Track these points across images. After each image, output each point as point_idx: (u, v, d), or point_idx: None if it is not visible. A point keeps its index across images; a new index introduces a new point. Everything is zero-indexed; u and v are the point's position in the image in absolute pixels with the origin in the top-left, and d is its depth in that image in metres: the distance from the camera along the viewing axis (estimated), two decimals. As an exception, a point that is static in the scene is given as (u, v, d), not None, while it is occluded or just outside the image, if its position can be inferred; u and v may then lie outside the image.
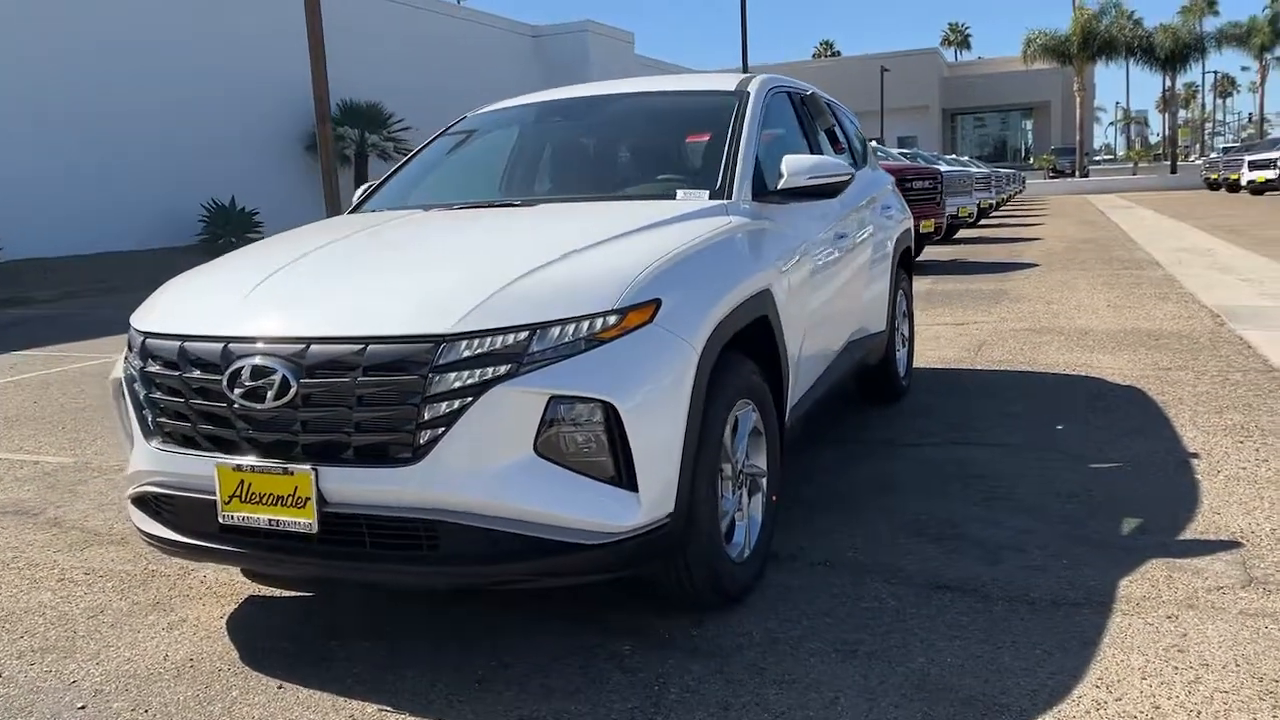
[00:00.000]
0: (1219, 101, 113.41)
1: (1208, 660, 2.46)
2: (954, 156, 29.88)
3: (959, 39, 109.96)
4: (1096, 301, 8.98)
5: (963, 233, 17.73)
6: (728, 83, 3.95)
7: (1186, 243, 14.65)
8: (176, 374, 2.58)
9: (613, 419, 2.35)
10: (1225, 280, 10.05)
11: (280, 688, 2.56)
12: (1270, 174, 27.34)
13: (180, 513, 2.69)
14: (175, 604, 3.16)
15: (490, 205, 3.60)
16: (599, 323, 2.39)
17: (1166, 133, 77.90)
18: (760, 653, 2.61)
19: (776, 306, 3.09)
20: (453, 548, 2.38)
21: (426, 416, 2.31)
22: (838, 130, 4.79)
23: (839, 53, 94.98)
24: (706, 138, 3.74)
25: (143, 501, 2.83)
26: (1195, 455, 4.14)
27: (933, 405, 5.26)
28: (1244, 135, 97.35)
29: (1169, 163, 49.86)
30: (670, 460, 2.45)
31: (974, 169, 20.71)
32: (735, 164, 3.38)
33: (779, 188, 3.40)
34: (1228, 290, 9.26)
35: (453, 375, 2.31)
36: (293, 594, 3.20)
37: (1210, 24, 56.10)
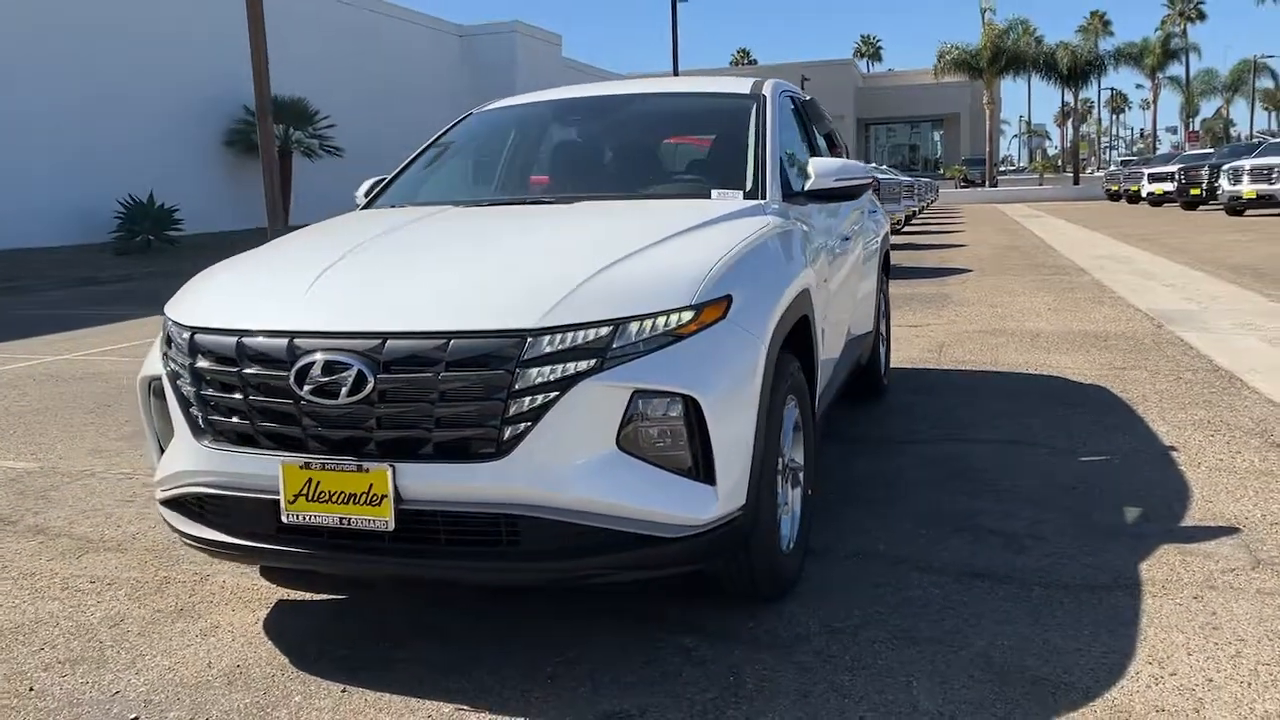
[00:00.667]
0: (1113, 117, 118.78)
1: (1243, 636, 2.61)
2: (873, 165, 30.60)
3: (871, 51, 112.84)
4: (1038, 305, 9.34)
5: (891, 239, 18.19)
6: (742, 86, 4.02)
7: (1104, 250, 15.32)
8: (234, 370, 2.50)
9: (693, 413, 2.38)
10: (1150, 286, 10.55)
11: (344, 691, 2.51)
12: (1169, 186, 28.75)
13: (232, 514, 2.61)
14: (201, 610, 3.07)
15: (525, 203, 3.58)
16: (676, 318, 2.41)
17: (1066, 146, 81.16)
18: (824, 642, 2.66)
19: (813, 306, 3.16)
20: (534, 543, 2.38)
21: (512, 412, 2.30)
22: (836, 135, 4.91)
23: (755, 61, 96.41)
24: (721, 139, 3.80)
25: (181, 504, 2.74)
26: (1174, 449, 4.35)
27: (914, 404, 5.41)
28: (1135, 149, 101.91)
29: (1071, 174, 51.99)
30: (744, 454, 2.48)
31: (900, 177, 21.29)
32: (765, 165, 3.44)
33: (807, 189, 3.48)
34: (1155, 295, 9.73)
35: (538, 370, 2.30)
36: (325, 597, 3.14)
37: (1107, 44, 58.78)
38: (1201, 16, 71.76)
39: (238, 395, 2.51)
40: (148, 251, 18.93)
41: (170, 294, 3.04)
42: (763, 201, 3.29)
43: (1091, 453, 4.34)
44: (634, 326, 2.37)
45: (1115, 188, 36.54)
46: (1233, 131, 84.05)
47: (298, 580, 3.23)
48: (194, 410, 2.61)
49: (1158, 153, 54.08)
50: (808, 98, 4.60)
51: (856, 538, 3.41)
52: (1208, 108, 79.21)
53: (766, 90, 3.94)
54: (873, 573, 3.12)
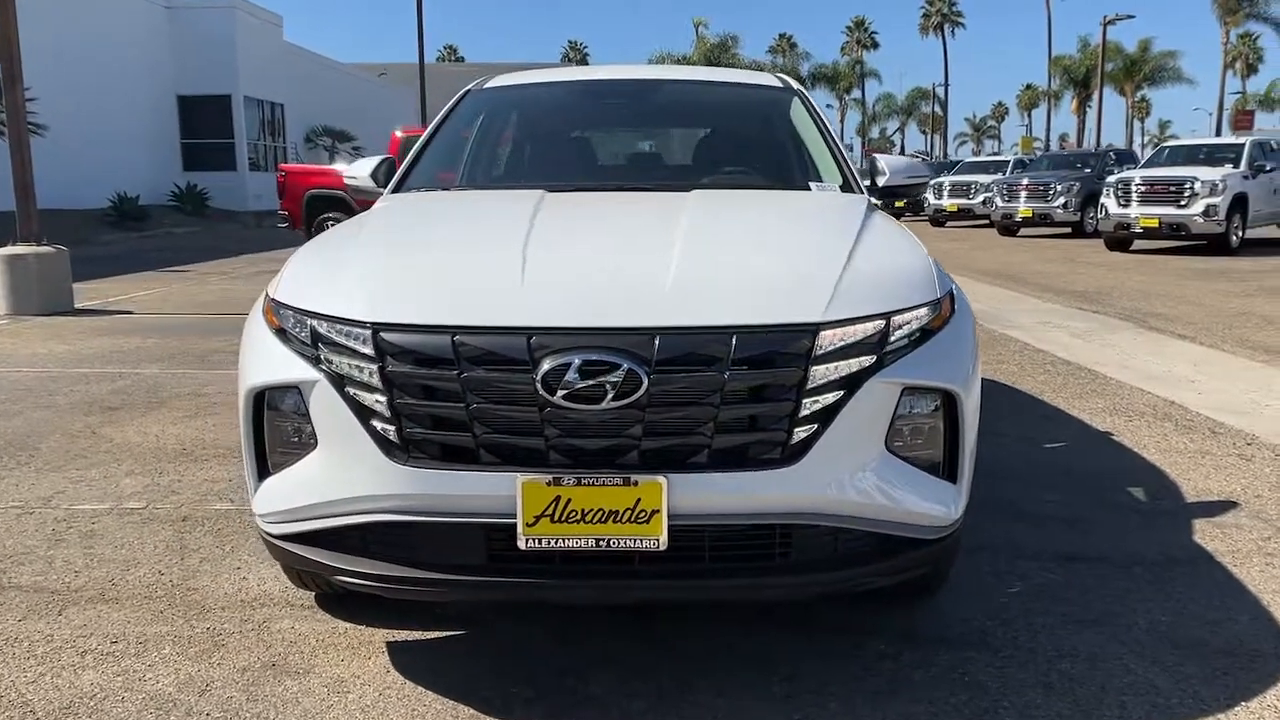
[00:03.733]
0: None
1: (1337, 594, 2.96)
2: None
3: (578, 57, 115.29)
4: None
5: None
6: (769, 79, 3.98)
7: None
8: (450, 373, 2.12)
9: (947, 409, 2.33)
10: (929, 287, 11.61)
11: (581, 736, 2.22)
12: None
13: (425, 544, 2.21)
14: (296, 663, 2.57)
15: (629, 189, 3.28)
16: (926, 312, 2.35)
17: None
18: (1007, 633, 2.70)
19: None
20: (804, 554, 2.22)
21: (803, 413, 2.14)
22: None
23: (463, 59, 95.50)
24: (772, 129, 3.74)
25: (332, 536, 2.28)
26: (1110, 433, 4.84)
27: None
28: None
29: (775, 184, 56.23)
30: (973, 449, 2.47)
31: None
32: (844, 158, 3.43)
33: (881, 185, 3.50)
34: (943, 296, 10.71)
35: (827, 368, 2.15)
36: (437, 634, 2.74)
37: (800, 66, 64.14)
38: (875, 45, 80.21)
39: (455, 403, 2.13)
40: None
41: None
42: (863, 196, 3.28)
43: (1049, 440, 4.72)
44: (898, 320, 2.28)
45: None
46: (893, 151, 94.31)
47: (362, 616, 2.81)
48: (379, 423, 2.18)
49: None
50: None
51: (932, 530, 3.49)
52: (890, 127, 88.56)
53: (793, 84, 3.93)
54: (980, 562, 3.21)
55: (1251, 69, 69.80)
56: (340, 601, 2.91)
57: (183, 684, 2.47)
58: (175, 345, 7.53)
